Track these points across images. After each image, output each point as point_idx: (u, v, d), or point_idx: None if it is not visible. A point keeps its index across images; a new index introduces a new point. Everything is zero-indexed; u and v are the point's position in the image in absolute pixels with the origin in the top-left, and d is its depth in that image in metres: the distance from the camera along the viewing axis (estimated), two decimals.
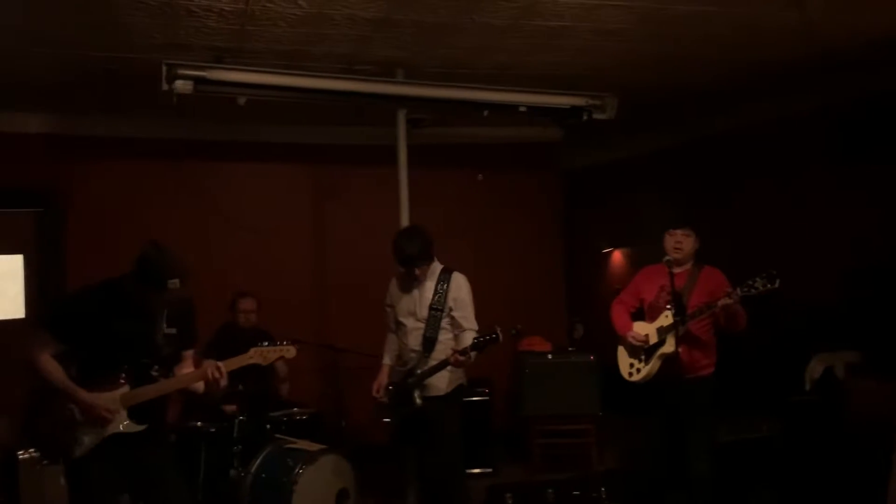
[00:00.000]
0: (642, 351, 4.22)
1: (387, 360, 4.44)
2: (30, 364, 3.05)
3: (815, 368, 4.98)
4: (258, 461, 4.40)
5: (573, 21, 4.19)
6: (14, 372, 3.11)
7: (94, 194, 5.94)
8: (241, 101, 4.56)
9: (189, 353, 3.38)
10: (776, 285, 3.73)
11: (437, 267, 4.27)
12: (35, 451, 4.37)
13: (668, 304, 4.02)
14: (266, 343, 3.41)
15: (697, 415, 4.10)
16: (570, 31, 4.35)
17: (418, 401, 4.12)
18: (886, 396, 4.34)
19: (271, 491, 4.25)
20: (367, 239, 5.99)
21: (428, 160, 5.65)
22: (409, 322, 4.25)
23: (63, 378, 3.06)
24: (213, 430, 4.71)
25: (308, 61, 4.69)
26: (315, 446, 4.45)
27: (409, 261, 4.13)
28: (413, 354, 4.22)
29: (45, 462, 4.28)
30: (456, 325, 4.20)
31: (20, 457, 4.51)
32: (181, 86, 4.28)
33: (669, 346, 4.03)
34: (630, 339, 4.24)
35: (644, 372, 4.19)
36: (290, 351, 3.41)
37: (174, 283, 2.99)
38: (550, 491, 4.91)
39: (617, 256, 8.10)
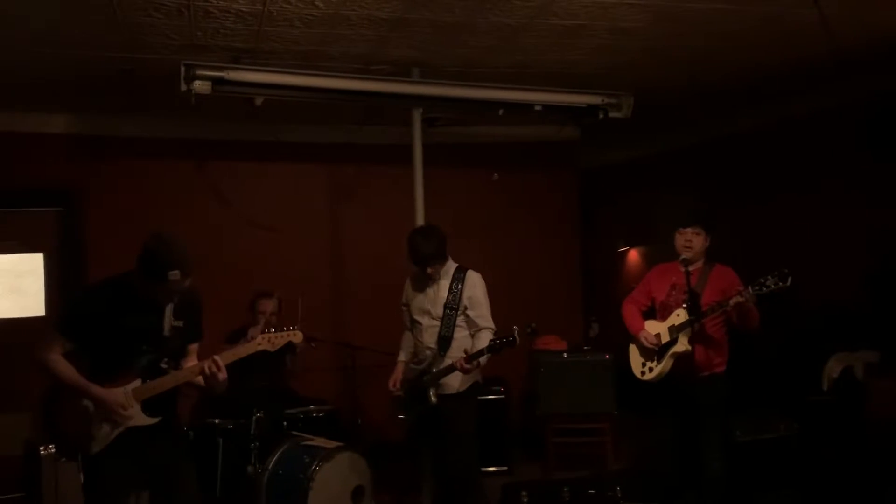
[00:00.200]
0: (655, 350, 4.22)
1: (402, 357, 4.46)
2: (40, 364, 3.06)
3: (834, 368, 4.95)
4: (275, 458, 4.43)
5: (589, 20, 4.19)
6: (36, 368, 3.13)
7: (113, 193, 6.00)
8: (259, 101, 4.61)
9: (194, 347, 3.36)
10: (788, 283, 3.72)
11: (451, 266, 4.28)
12: (53, 448, 4.43)
13: (684, 302, 4.01)
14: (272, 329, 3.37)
15: (710, 413, 4.09)
16: (585, 29, 4.34)
17: (433, 399, 4.13)
18: None
19: (288, 487, 4.28)
20: (383, 237, 6.02)
21: (443, 159, 5.67)
22: (425, 320, 4.27)
23: (75, 375, 3.07)
24: (230, 426, 4.74)
25: (324, 61, 4.72)
26: (331, 443, 4.47)
27: (423, 260, 4.14)
28: (428, 352, 4.24)
29: (62, 459, 4.34)
30: (472, 324, 4.21)
31: (42, 452, 4.58)
32: (199, 86, 4.33)
33: (682, 345, 4.04)
34: (643, 341, 4.23)
35: (656, 371, 4.18)
36: (298, 335, 3.39)
37: (175, 274, 2.96)
38: (566, 490, 4.91)
39: (633, 255, 8.08)
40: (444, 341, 4.18)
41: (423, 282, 4.28)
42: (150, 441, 3.16)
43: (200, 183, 6.23)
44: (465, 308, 4.19)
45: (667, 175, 7.32)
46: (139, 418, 3.13)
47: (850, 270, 5.33)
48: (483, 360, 4.03)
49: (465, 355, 3.99)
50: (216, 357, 3.18)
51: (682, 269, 4.09)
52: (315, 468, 4.23)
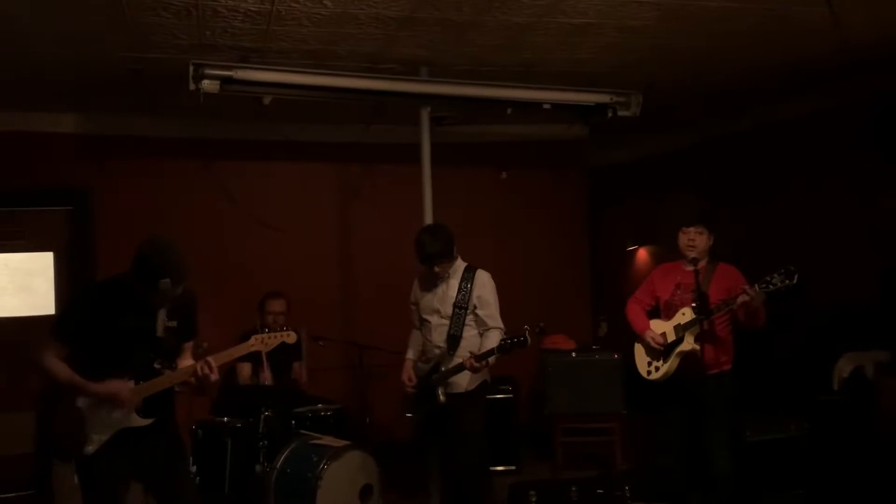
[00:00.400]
0: (660, 350, 4.20)
1: (410, 356, 4.46)
2: (35, 366, 3.06)
3: (844, 368, 4.91)
4: (283, 456, 4.43)
5: (597, 18, 4.18)
6: (33, 370, 3.13)
7: (122, 193, 6.02)
8: (267, 100, 4.62)
9: (189, 346, 3.36)
10: (794, 281, 3.70)
11: (460, 265, 4.28)
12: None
13: (692, 301, 4.01)
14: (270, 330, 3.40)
15: (717, 411, 4.08)
16: (594, 28, 4.33)
17: (442, 397, 4.13)
18: None
19: (296, 486, 4.28)
20: (391, 237, 6.01)
21: (452, 158, 5.66)
22: (434, 319, 4.27)
23: (70, 374, 3.05)
24: (239, 425, 4.75)
25: (333, 60, 4.72)
26: (340, 442, 4.48)
27: (430, 258, 4.14)
28: (437, 351, 4.24)
29: (57, 462, 4.33)
30: (481, 323, 4.21)
31: None
32: (208, 85, 4.34)
33: (688, 344, 4.03)
34: (649, 341, 4.22)
35: (663, 370, 4.17)
36: (291, 336, 3.42)
37: (166, 282, 2.95)
38: (574, 489, 4.91)
39: (642, 254, 8.05)
40: (453, 340, 4.18)
41: (432, 281, 4.28)
42: (144, 442, 3.15)
43: (209, 182, 6.24)
44: (475, 307, 4.19)
45: (676, 174, 7.29)
46: (133, 420, 3.12)
47: (861, 269, 5.29)
48: (492, 359, 4.03)
49: (472, 356, 3.99)
50: (209, 359, 3.18)
51: (688, 269, 4.11)
52: (323, 467, 4.24)
